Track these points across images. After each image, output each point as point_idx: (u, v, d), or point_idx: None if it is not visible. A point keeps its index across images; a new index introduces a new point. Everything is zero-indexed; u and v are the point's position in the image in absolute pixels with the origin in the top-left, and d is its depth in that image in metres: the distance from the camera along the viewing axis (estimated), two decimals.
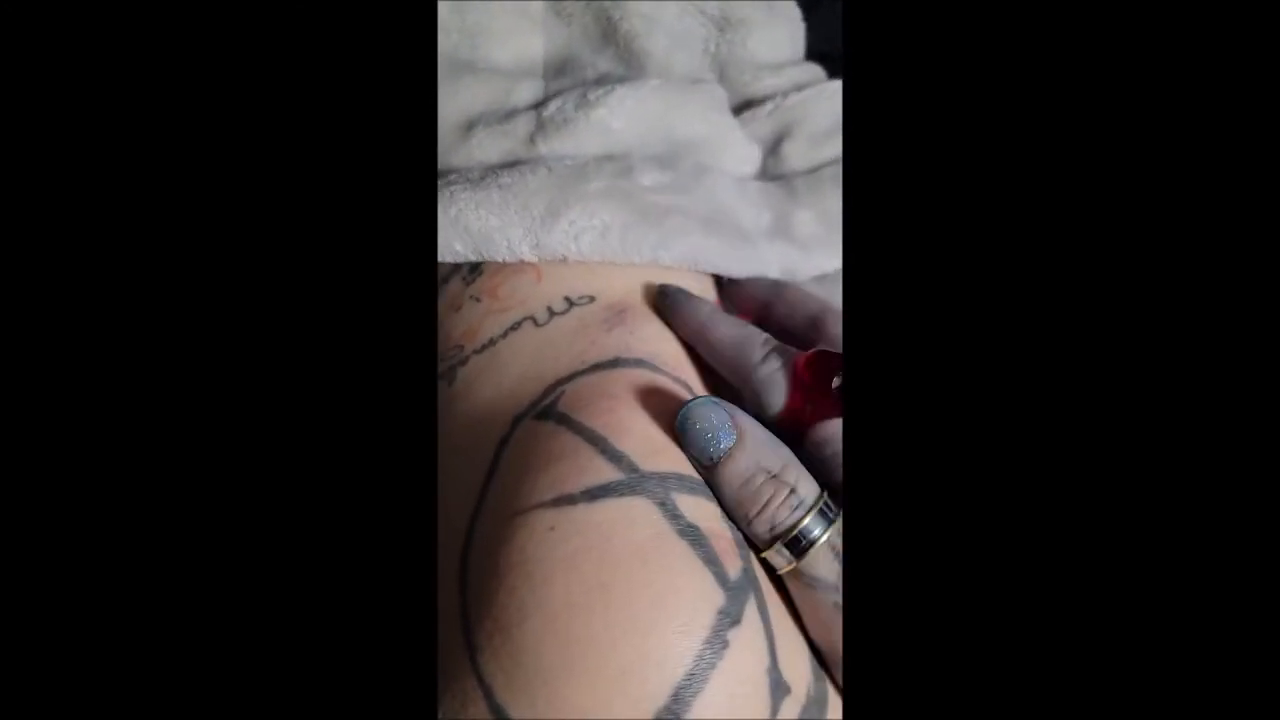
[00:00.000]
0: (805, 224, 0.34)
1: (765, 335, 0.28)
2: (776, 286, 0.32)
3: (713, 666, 0.20)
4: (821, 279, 0.38)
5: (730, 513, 0.24)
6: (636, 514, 0.22)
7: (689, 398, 0.26)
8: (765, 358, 0.27)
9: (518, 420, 0.26)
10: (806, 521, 0.23)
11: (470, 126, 0.33)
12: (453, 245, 0.29)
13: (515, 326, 0.29)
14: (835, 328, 0.29)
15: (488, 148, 0.32)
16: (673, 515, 0.22)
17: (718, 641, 0.21)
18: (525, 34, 0.37)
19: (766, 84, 0.38)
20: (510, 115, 0.33)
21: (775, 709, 0.21)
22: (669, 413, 0.26)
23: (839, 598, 0.22)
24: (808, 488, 0.23)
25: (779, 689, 0.21)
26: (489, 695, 0.20)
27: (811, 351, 0.27)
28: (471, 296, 0.30)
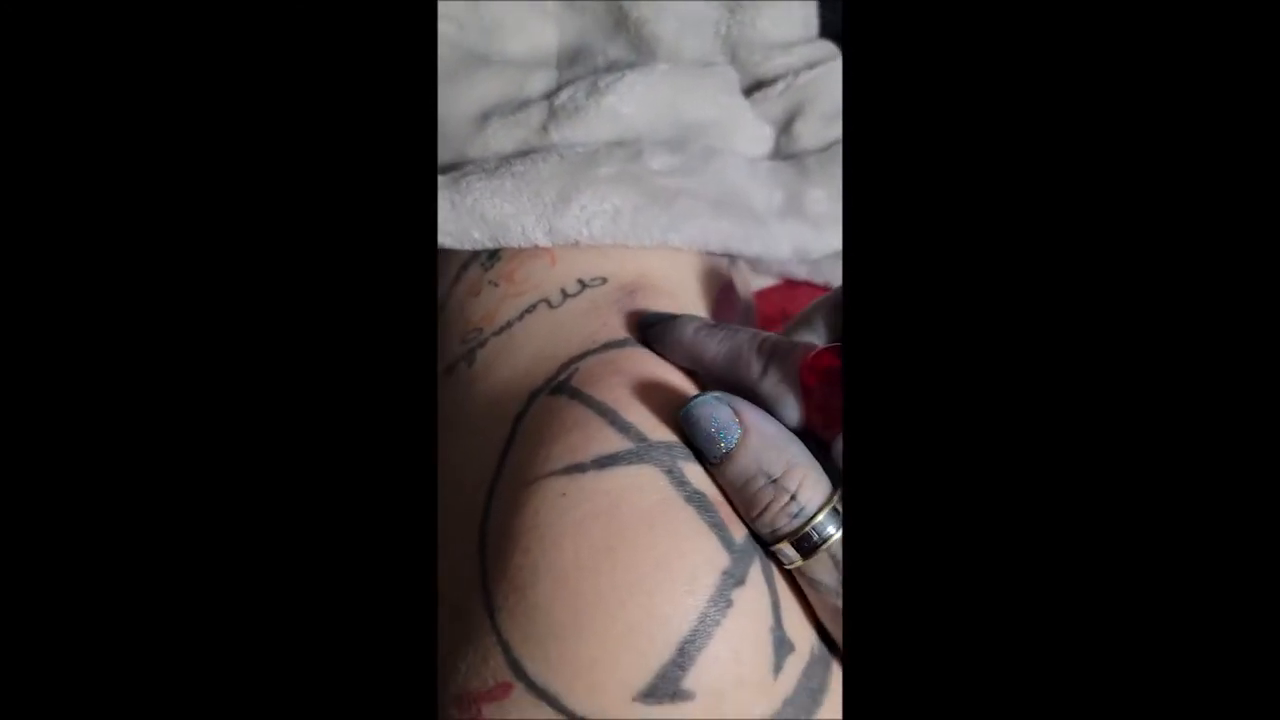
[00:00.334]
0: (818, 202, 0.35)
1: (758, 340, 0.26)
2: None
3: (717, 624, 0.21)
4: (838, 256, 0.39)
5: (736, 509, 0.24)
6: (644, 481, 0.23)
7: (695, 391, 0.27)
8: (765, 370, 0.26)
9: (534, 396, 0.27)
10: (810, 527, 0.23)
11: (486, 118, 0.34)
12: (470, 233, 0.31)
13: (531, 309, 0.30)
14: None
15: (502, 138, 0.33)
16: (679, 482, 0.24)
17: (722, 600, 0.22)
18: (539, 25, 0.38)
19: (778, 63, 0.38)
20: (524, 105, 0.34)
21: (779, 666, 0.22)
22: (676, 387, 0.27)
23: (839, 601, 0.23)
24: (812, 492, 0.23)
25: (783, 646, 0.22)
26: (506, 650, 0.22)
27: (811, 355, 0.25)
28: (490, 282, 0.31)
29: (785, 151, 0.37)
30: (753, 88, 0.38)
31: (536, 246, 0.31)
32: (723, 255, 0.34)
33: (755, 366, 0.26)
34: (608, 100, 0.33)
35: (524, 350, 0.29)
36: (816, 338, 0.27)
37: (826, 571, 0.23)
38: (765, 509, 0.23)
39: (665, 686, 0.21)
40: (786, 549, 0.23)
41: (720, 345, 0.27)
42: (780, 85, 0.37)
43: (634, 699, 0.21)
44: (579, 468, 0.24)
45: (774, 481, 0.23)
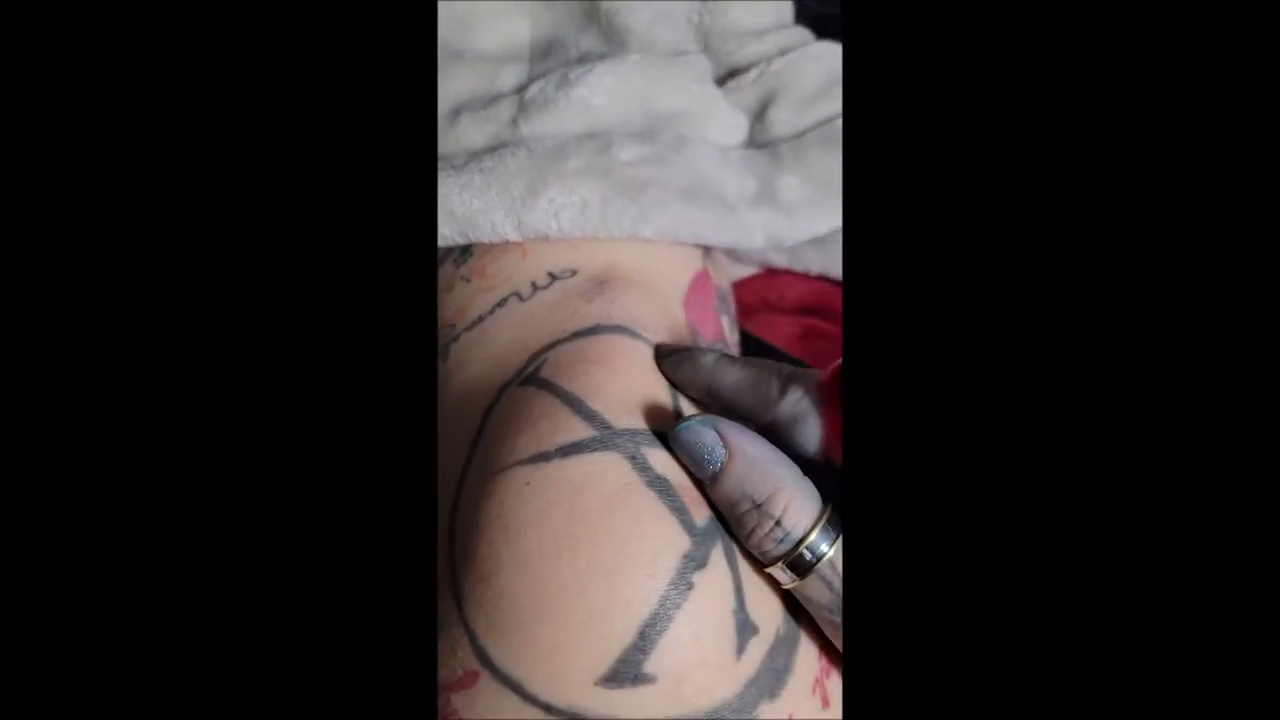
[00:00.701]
0: (790, 189, 0.35)
1: (778, 366, 0.26)
2: None
3: (677, 607, 0.22)
4: (819, 243, 0.39)
5: (729, 533, 0.24)
6: (606, 468, 0.24)
7: (660, 377, 0.27)
8: (784, 390, 0.25)
9: (503, 388, 0.28)
10: (802, 548, 0.22)
11: (457, 113, 0.34)
12: (440, 230, 0.31)
13: (501, 303, 0.30)
14: None
15: (473, 134, 0.33)
16: (642, 468, 0.24)
17: (683, 584, 0.22)
18: (512, 19, 0.39)
19: (751, 51, 0.38)
20: (494, 100, 0.34)
21: (741, 648, 0.23)
22: (643, 373, 0.27)
23: (836, 617, 0.23)
24: (799, 515, 0.23)
25: (745, 629, 0.23)
26: (473, 639, 0.22)
27: (835, 366, 0.24)
28: (463, 278, 0.32)
29: (759, 139, 0.38)
30: (726, 76, 0.38)
31: (508, 242, 0.31)
32: (697, 245, 0.34)
33: (774, 389, 0.25)
34: (578, 92, 0.33)
35: (495, 343, 0.29)
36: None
37: (820, 591, 0.23)
38: (752, 533, 0.23)
39: (626, 671, 0.21)
40: (780, 571, 0.23)
41: (740, 373, 0.26)
42: (753, 73, 0.37)
43: (595, 684, 0.21)
44: (543, 456, 0.24)
45: (759, 506, 0.23)
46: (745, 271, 0.44)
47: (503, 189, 0.30)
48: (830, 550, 0.22)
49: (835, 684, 0.25)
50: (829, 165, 0.35)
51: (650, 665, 0.21)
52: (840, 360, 0.24)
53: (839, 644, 0.24)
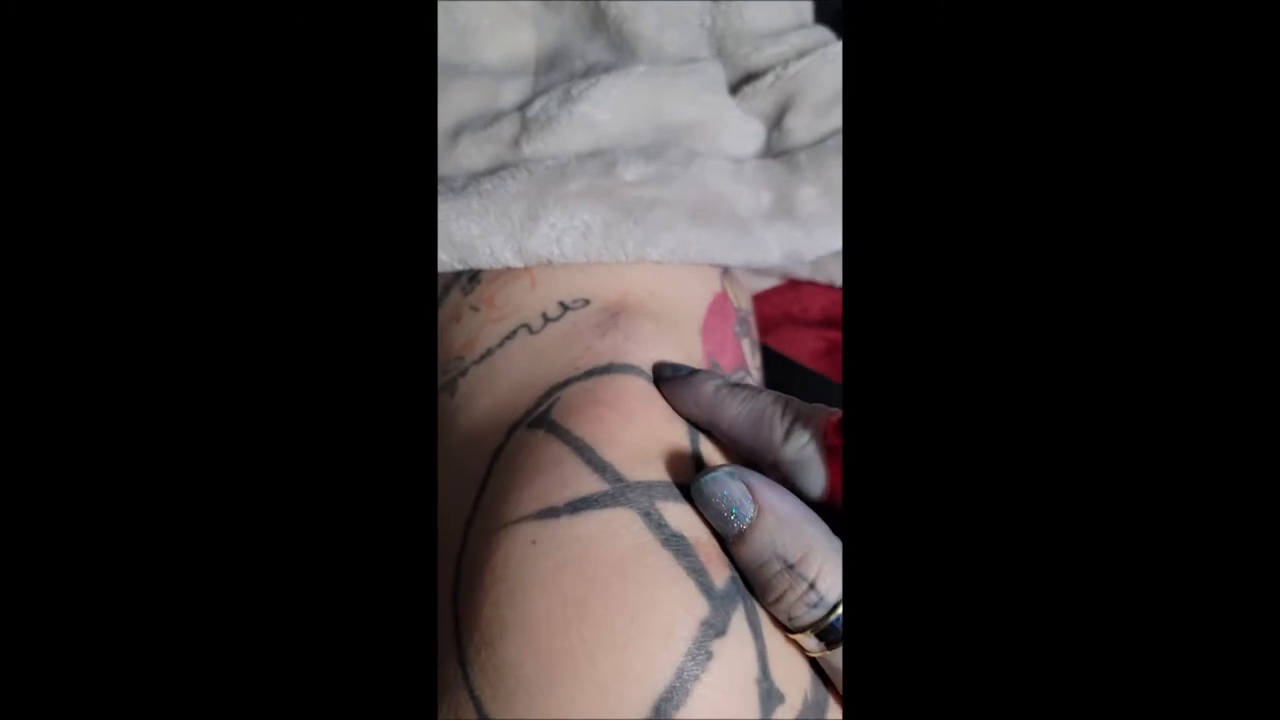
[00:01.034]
0: (808, 201, 0.33)
1: (784, 401, 0.25)
2: None
3: (695, 679, 0.20)
4: (839, 255, 0.37)
5: (752, 593, 0.22)
6: (618, 526, 0.22)
7: (681, 423, 0.25)
8: (789, 433, 0.24)
9: (512, 429, 0.26)
10: (833, 617, 0.21)
11: (458, 133, 0.33)
12: (439, 256, 0.29)
13: (511, 335, 0.29)
14: None
15: (474, 154, 0.32)
16: (657, 525, 0.22)
17: (701, 654, 0.20)
18: (515, 29, 0.37)
19: (767, 54, 0.36)
20: (496, 119, 0.32)
21: (767, 718, 0.21)
22: (662, 418, 0.25)
23: None
24: (833, 579, 0.21)
25: (771, 698, 0.21)
26: (479, 706, 0.21)
27: (839, 416, 0.23)
28: (470, 306, 0.30)
29: (777, 148, 0.35)
30: (741, 82, 0.36)
31: (512, 268, 0.29)
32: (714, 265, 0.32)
33: (778, 430, 0.24)
34: (581, 108, 0.31)
35: (504, 380, 0.28)
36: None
37: None
38: (781, 597, 0.21)
39: None
40: (808, 639, 0.21)
41: (742, 406, 0.25)
42: (769, 77, 0.35)
43: None
44: (551, 512, 0.22)
45: (790, 567, 0.21)
46: (766, 283, 0.41)
47: (502, 213, 0.29)
48: None
49: None
50: None
51: None
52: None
53: None
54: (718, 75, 0.35)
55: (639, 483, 0.23)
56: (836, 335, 0.40)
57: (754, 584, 0.22)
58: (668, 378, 0.26)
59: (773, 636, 0.22)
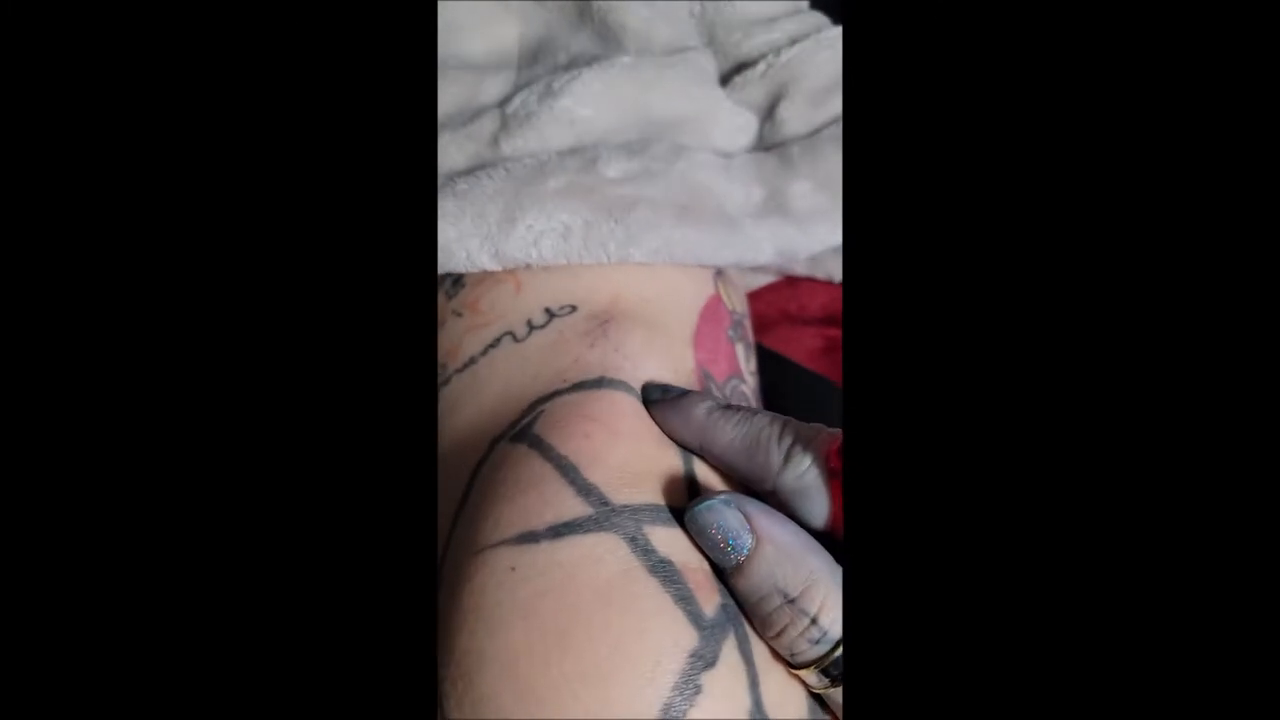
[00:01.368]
0: (802, 196, 0.32)
1: (781, 422, 0.23)
2: None
3: (683, 715, 0.19)
4: (836, 251, 0.35)
5: (751, 626, 0.21)
6: (603, 552, 0.21)
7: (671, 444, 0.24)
8: (788, 457, 0.22)
9: (494, 443, 0.25)
10: (837, 654, 0.20)
11: (439, 131, 0.31)
12: None
13: (495, 343, 0.28)
14: None
15: (453, 153, 0.31)
16: (644, 551, 0.21)
17: (689, 688, 0.19)
18: (499, 22, 0.36)
19: (759, 41, 0.35)
20: (476, 115, 0.31)
21: None
22: (650, 437, 0.24)
23: None
24: (837, 613, 0.20)
25: None
26: None
27: (841, 440, 0.22)
28: (454, 311, 0.29)
29: (769, 140, 0.34)
30: (732, 71, 0.35)
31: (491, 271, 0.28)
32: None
33: (776, 455, 0.23)
34: (562, 103, 0.30)
35: (487, 390, 0.27)
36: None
37: None
38: (783, 632, 0.20)
39: None
40: (811, 675, 0.20)
41: (736, 430, 0.23)
42: (761, 66, 0.34)
43: None
44: (531, 536, 0.21)
45: (792, 601, 0.20)
46: (762, 280, 0.40)
47: (478, 215, 0.28)
48: None
49: None
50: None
51: None
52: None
53: None
54: (707, 66, 0.34)
55: (625, 506, 0.22)
56: (836, 333, 0.39)
57: (753, 618, 0.21)
58: (656, 400, 0.25)
59: (766, 665, 0.21)
